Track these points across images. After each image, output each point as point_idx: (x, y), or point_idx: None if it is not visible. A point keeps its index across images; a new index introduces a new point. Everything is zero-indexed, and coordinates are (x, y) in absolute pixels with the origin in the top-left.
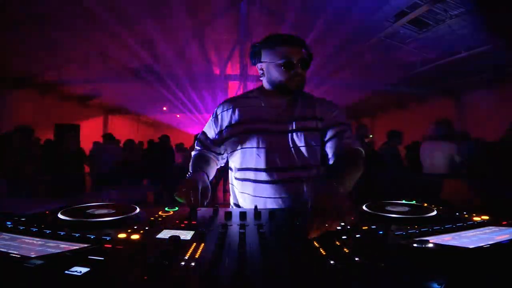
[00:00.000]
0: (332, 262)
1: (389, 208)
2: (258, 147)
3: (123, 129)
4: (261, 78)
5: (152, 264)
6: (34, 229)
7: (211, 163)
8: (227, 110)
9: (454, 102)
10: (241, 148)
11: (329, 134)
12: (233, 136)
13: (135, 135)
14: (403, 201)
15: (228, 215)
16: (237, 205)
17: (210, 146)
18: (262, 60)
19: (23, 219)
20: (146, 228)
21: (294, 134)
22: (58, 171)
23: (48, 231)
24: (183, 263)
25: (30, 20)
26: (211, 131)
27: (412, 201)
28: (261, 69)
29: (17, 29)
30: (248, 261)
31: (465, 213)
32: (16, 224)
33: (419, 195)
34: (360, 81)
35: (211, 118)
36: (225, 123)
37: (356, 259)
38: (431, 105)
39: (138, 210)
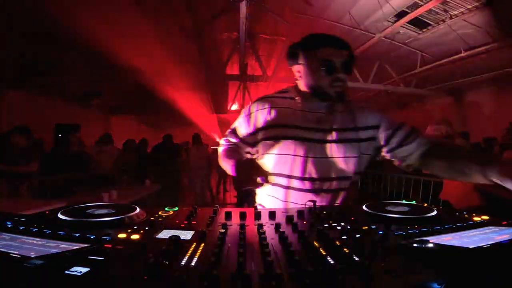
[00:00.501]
0: (332, 262)
1: (389, 208)
2: (294, 155)
3: (123, 129)
4: (297, 81)
5: (152, 264)
6: (34, 229)
7: (243, 155)
8: (262, 109)
9: (454, 102)
10: (276, 153)
11: (398, 136)
12: (268, 139)
13: (136, 135)
14: (403, 201)
15: (228, 215)
16: (263, 206)
17: (239, 144)
18: (300, 62)
19: (23, 219)
20: (146, 228)
21: (333, 145)
22: (59, 172)
23: (48, 231)
24: (183, 263)
25: (30, 19)
26: (242, 129)
27: (412, 201)
28: (298, 71)
29: (16, 28)
30: (248, 261)
31: (465, 213)
32: (16, 224)
33: (419, 195)
34: (360, 81)
35: (243, 115)
36: (260, 124)
37: (356, 259)
38: (431, 105)
39: (138, 210)
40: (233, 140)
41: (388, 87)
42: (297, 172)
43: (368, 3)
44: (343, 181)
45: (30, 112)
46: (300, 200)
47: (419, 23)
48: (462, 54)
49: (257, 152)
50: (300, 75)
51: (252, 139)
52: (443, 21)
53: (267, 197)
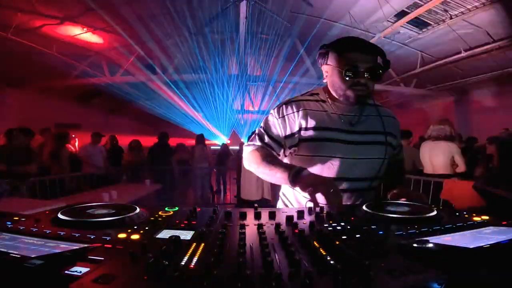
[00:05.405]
0: (332, 262)
1: (389, 208)
2: (332, 156)
3: (123, 129)
4: (324, 81)
5: (152, 264)
6: (34, 229)
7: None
8: (296, 112)
9: (454, 102)
10: (313, 155)
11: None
12: (307, 141)
13: (135, 135)
14: (403, 201)
15: (228, 215)
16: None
17: (272, 145)
18: (328, 63)
19: (23, 219)
20: (146, 228)
21: (365, 146)
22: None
23: (48, 231)
24: (183, 263)
25: (30, 20)
26: (277, 131)
27: (412, 201)
28: (326, 71)
29: (17, 29)
30: (248, 261)
31: (465, 213)
32: (16, 224)
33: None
34: None
35: (275, 117)
36: (296, 127)
37: (356, 259)
38: (431, 105)
39: (138, 210)
40: (266, 140)
41: (388, 87)
42: (333, 173)
43: (368, 3)
44: (374, 181)
45: (30, 112)
46: None
47: (419, 23)
48: (462, 54)
49: (283, 153)
50: (326, 75)
51: (289, 142)
52: (443, 21)
53: (302, 197)
